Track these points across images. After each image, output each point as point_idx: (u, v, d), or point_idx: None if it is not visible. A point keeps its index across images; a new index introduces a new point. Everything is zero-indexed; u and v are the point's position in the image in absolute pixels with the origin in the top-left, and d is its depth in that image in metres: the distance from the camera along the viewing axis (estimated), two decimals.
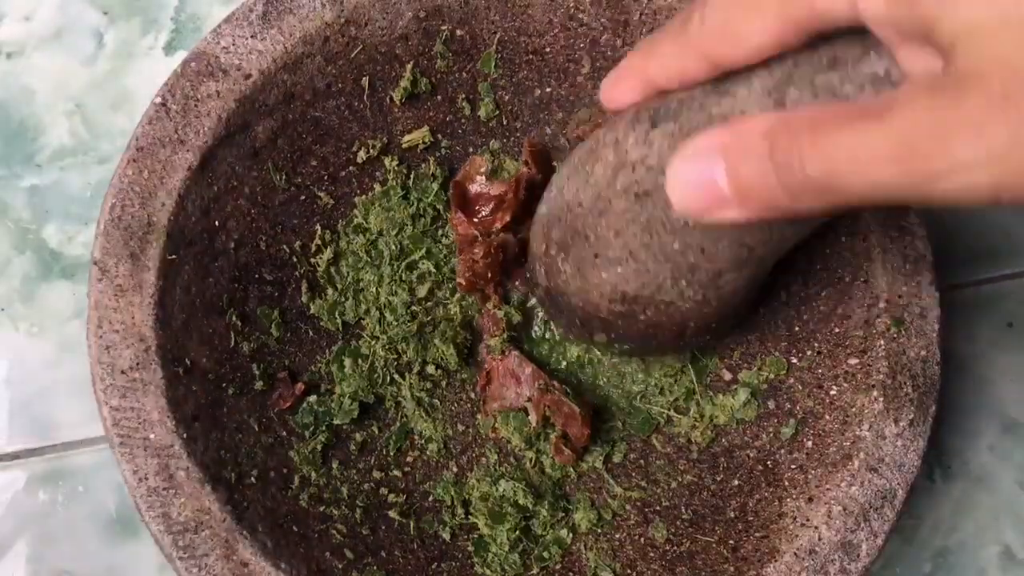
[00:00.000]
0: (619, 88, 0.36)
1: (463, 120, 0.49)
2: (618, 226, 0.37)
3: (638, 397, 0.49)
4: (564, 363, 0.49)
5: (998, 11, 0.23)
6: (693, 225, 0.35)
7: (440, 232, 0.50)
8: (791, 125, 0.27)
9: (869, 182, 0.26)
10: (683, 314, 0.40)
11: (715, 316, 0.41)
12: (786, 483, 0.44)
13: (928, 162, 0.25)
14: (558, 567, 0.46)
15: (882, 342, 0.44)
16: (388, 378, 0.48)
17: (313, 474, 0.45)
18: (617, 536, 0.47)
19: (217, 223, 0.44)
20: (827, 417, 0.45)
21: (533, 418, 0.47)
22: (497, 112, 0.49)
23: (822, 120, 0.26)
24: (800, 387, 0.46)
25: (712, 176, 0.29)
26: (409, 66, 0.47)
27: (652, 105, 0.35)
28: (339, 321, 0.48)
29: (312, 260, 0.48)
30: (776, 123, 0.27)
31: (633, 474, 0.48)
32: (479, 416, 0.48)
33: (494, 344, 0.47)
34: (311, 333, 0.48)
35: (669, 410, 0.48)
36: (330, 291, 0.48)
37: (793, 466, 0.45)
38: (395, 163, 0.48)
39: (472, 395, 0.49)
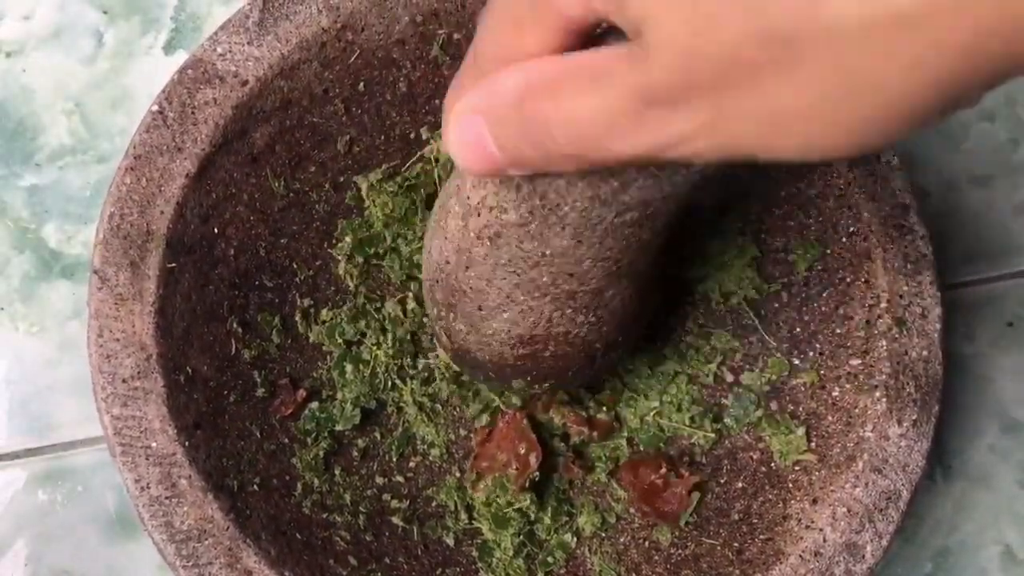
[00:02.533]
0: (449, 103, 0.35)
1: None
2: (486, 274, 0.37)
3: (651, 414, 0.48)
4: None
5: None
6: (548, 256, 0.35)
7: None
8: (535, 90, 0.28)
9: (612, 154, 0.27)
10: (584, 339, 0.40)
11: (617, 331, 0.41)
12: (790, 485, 0.44)
13: (652, 136, 0.26)
14: (563, 572, 0.46)
15: (884, 342, 0.44)
16: (390, 383, 0.48)
17: (316, 481, 0.45)
18: (622, 540, 0.47)
19: (216, 230, 0.44)
20: (830, 418, 0.45)
21: (512, 489, 0.46)
22: None
23: (562, 81, 0.27)
24: (803, 388, 0.46)
25: (481, 139, 0.30)
26: (406, 70, 0.47)
27: None
28: (340, 341, 0.48)
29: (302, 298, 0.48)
30: (522, 87, 0.28)
31: None
32: (465, 469, 0.48)
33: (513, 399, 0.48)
34: (312, 339, 0.47)
35: (682, 425, 0.48)
36: (324, 312, 0.48)
37: (797, 468, 0.45)
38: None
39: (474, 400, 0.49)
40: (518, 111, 0.28)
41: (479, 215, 0.35)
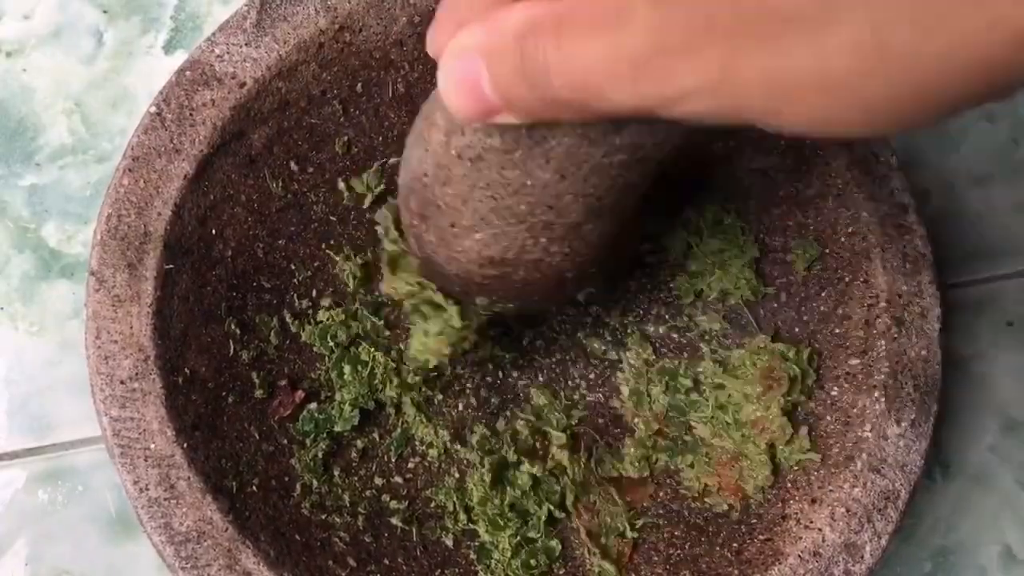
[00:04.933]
0: (439, 39, 0.32)
1: None
2: (463, 194, 0.36)
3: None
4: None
5: None
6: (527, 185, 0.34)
7: None
8: (539, 26, 0.26)
9: (612, 105, 0.25)
10: (556, 267, 0.39)
11: (590, 263, 0.39)
12: (789, 485, 0.44)
13: (655, 88, 0.24)
14: (563, 572, 0.46)
15: (883, 342, 0.44)
16: (388, 384, 0.48)
17: (315, 482, 0.45)
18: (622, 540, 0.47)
19: (214, 232, 0.44)
20: (829, 418, 0.45)
21: None
22: None
23: (569, 20, 0.25)
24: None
25: (477, 79, 0.28)
26: (404, 71, 0.47)
27: None
28: (331, 344, 0.47)
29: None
30: (527, 22, 0.26)
31: None
32: (465, 471, 0.48)
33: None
34: (309, 340, 0.47)
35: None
36: (322, 312, 0.48)
37: (796, 468, 0.45)
38: None
39: (473, 400, 0.49)
40: (517, 48, 0.26)
41: (463, 134, 0.34)
